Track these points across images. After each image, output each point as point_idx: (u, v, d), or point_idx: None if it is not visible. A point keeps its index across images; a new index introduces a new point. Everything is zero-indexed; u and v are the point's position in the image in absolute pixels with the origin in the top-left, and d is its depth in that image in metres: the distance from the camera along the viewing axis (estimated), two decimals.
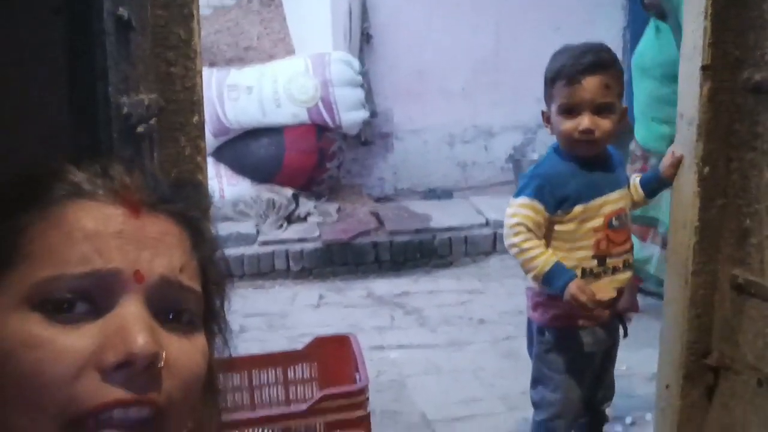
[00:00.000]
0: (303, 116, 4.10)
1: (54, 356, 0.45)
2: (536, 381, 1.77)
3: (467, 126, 5.21)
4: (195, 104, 1.24)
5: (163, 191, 0.55)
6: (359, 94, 4.27)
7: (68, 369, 0.45)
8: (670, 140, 1.70)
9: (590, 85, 1.56)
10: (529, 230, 1.59)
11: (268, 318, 3.21)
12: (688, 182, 1.57)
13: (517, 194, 1.65)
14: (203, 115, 1.27)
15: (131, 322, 0.47)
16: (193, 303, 0.53)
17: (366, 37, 4.76)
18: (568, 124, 1.59)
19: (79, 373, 0.45)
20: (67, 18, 0.74)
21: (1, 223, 0.50)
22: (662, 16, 2.62)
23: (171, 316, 0.51)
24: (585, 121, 1.57)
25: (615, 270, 1.66)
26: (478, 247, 4.04)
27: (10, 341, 0.46)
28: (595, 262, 1.64)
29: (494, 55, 5.15)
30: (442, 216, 4.26)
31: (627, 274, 1.70)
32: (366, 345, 2.46)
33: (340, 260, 3.88)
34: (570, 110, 1.59)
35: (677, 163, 1.60)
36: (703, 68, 1.50)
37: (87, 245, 0.48)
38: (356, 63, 4.31)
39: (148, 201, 0.52)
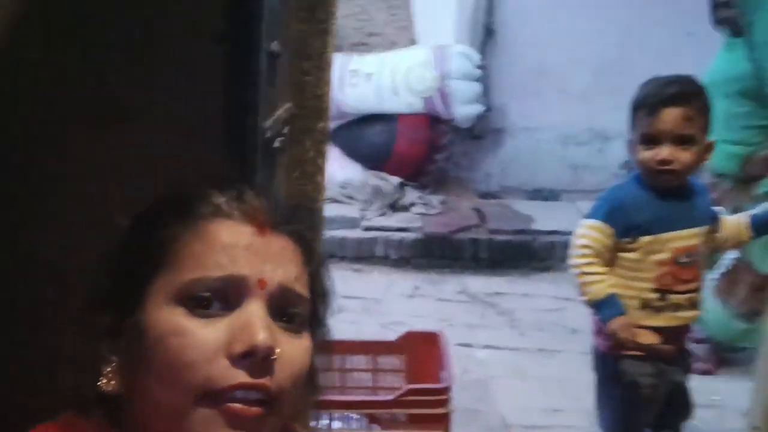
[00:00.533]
0: (418, 106, 4.18)
1: (195, 343, 0.57)
2: (598, 405, 1.80)
3: (583, 128, 5.10)
4: (323, 111, 1.34)
5: (283, 214, 0.67)
6: (476, 88, 4.29)
7: (205, 354, 0.56)
8: (743, 161, 1.68)
9: (670, 116, 1.57)
10: (595, 254, 1.62)
11: (364, 302, 3.34)
12: None
13: (589, 215, 1.68)
14: (329, 122, 1.38)
15: (254, 321, 0.57)
16: (303, 308, 0.63)
17: (489, 32, 4.75)
18: (646, 154, 1.61)
19: (213, 358, 0.56)
20: (228, 49, 0.85)
21: (159, 232, 0.62)
22: (736, 32, 2.49)
23: (285, 318, 0.61)
24: (663, 151, 1.58)
25: (678, 307, 1.65)
26: None
27: (162, 329, 0.58)
28: (655, 295, 1.64)
29: (619, 57, 4.98)
30: (546, 218, 4.22)
31: (691, 313, 1.68)
32: (454, 341, 2.53)
33: (438, 253, 3.95)
34: (649, 140, 1.60)
35: None
36: None
37: (223, 255, 0.59)
38: (476, 56, 4.33)
39: (272, 222, 0.63)
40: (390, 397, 1.69)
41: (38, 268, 0.83)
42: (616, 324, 1.58)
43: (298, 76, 1.30)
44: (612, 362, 1.71)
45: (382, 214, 4.07)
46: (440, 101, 4.17)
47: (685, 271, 1.63)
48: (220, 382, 0.56)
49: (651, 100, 1.59)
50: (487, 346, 2.97)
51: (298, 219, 0.69)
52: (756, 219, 1.71)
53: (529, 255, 3.98)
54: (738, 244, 1.76)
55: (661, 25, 4.85)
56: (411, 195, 4.23)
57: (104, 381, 0.59)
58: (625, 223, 1.62)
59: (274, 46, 0.86)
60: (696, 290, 1.67)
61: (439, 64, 4.17)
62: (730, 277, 2.46)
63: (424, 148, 4.22)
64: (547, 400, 2.48)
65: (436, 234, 3.95)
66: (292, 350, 0.60)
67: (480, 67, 4.36)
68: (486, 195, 4.80)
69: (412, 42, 4.65)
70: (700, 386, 1.96)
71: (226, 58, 0.81)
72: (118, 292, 0.61)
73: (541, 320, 3.24)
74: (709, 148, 1.64)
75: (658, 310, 1.63)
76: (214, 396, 0.56)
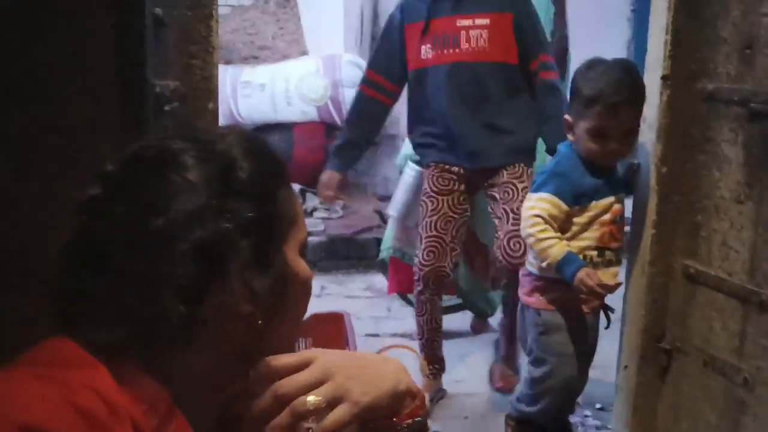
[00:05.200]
0: (312, 114, 4.29)
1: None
2: (532, 363, 1.90)
3: None
4: (211, 92, 1.42)
5: None
6: None
7: None
8: None
9: (627, 116, 1.66)
10: (546, 222, 1.71)
11: None
12: (647, 180, 1.75)
13: (537, 189, 1.77)
14: (217, 103, 1.46)
15: None
16: None
17: (375, 40, 4.94)
18: (595, 147, 1.70)
19: None
20: (117, 14, 0.93)
21: (281, 193, 0.69)
22: None
23: None
24: (614, 146, 1.69)
25: (610, 263, 1.78)
26: None
27: (306, 275, 0.72)
28: (595, 252, 1.76)
29: None
30: None
31: (617, 268, 1.81)
32: (363, 332, 2.63)
33: (342, 254, 4.06)
34: (600, 135, 1.69)
35: (635, 171, 1.79)
36: (663, 78, 1.67)
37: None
38: (365, 65, 4.49)
39: None
40: None
41: None
42: (582, 274, 1.66)
43: (186, 58, 1.38)
44: (552, 316, 1.82)
45: None
46: (333, 109, 4.30)
47: (618, 229, 1.78)
48: None
49: (610, 100, 1.64)
50: (394, 335, 3.09)
51: None
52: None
53: None
54: None
55: None
56: (312, 201, 4.32)
57: (248, 308, 0.64)
58: (573, 193, 1.73)
59: (158, 11, 0.95)
60: (621, 248, 1.81)
61: (330, 73, 4.30)
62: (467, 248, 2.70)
63: (321, 155, 4.32)
64: (450, 374, 2.62)
65: (340, 236, 4.06)
66: None
67: None
68: (385, 197, 4.95)
69: (304, 54, 4.77)
70: None
71: (118, 21, 0.89)
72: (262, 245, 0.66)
73: None
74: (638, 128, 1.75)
75: (596, 265, 1.75)
76: None
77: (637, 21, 5.70)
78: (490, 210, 2.40)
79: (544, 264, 1.73)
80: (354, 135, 2.52)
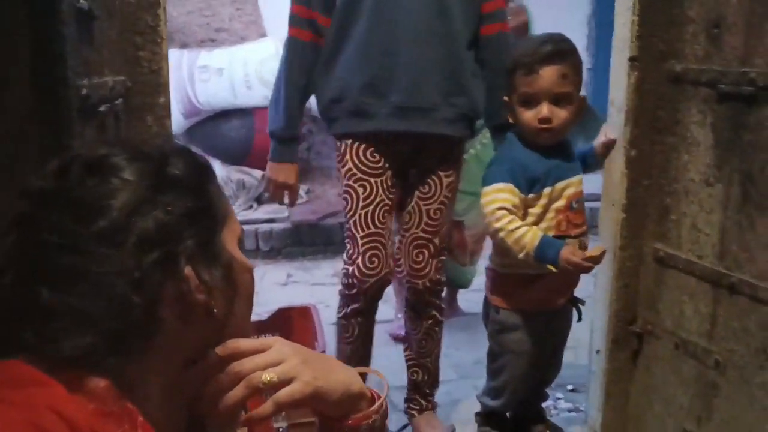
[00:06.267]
0: None
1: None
2: (489, 357, 1.88)
3: None
4: (161, 86, 1.34)
5: None
6: None
7: None
8: None
9: (548, 74, 1.59)
10: (511, 212, 1.62)
11: None
12: (617, 163, 1.72)
13: (490, 181, 1.67)
14: (169, 97, 1.38)
15: None
16: None
17: None
18: (527, 114, 1.63)
19: None
20: (31, 7, 0.84)
21: (212, 188, 0.72)
22: None
23: None
24: (543, 109, 1.60)
25: None
26: None
27: (248, 266, 0.74)
28: None
29: None
30: None
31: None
32: (331, 320, 2.57)
33: (308, 240, 3.99)
34: (529, 100, 1.62)
35: (610, 144, 1.72)
36: (631, 59, 1.64)
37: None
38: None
39: None
40: None
41: None
42: (566, 254, 1.57)
43: (132, 50, 1.30)
44: (508, 316, 1.77)
45: (249, 208, 4.04)
46: None
47: (576, 215, 1.70)
48: None
49: (527, 60, 1.60)
50: None
51: None
52: (579, 153, 1.78)
53: None
54: None
55: None
56: None
57: (202, 297, 0.66)
58: (526, 179, 1.65)
59: (82, 3, 0.86)
60: (584, 233, 1.73)
61: None
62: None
63: None
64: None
65: (305, 222, 3.99)
66: None
67: None
68: None
69: (263, 35, 4.64)
70: None
71: (31, 15, 0.80)
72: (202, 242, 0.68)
73: None
74: (582, 103, 1.67)
75: None
76: None
77: None
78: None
79: (521, 255, 1.63)
80: (297, 102, 1.87)
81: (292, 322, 2.12)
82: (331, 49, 1.81)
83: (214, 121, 4.21)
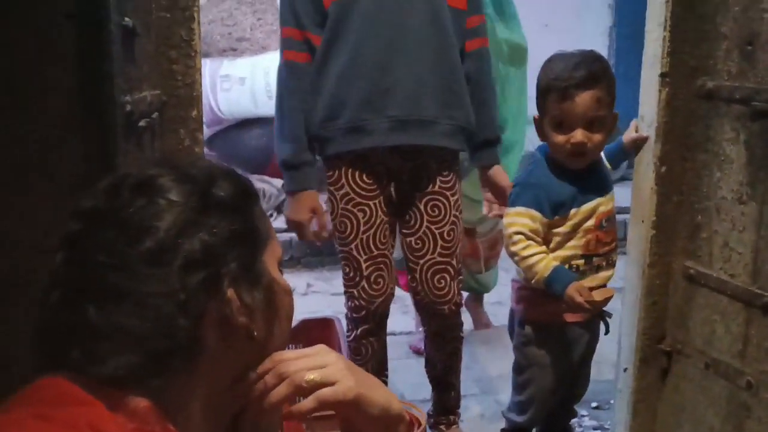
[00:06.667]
0: None
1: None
2: (515, 370, 1.86)
3: None
4: (194, 99, 1.35)
5: None
6: None
7: None
8: None
9: (583, 100, 1.57)
10: (528, 238, 1.63)
11: None
12: (646, 179, 1.70)
13: (513, 204, 1.68)
14: (201, 110, 1.39)
15: None
16: None
17: None
18: (559, 138, 1.62)
19: None
20: (78, 24, 0.85)
21: (256, 210, 0.72)
22: None
23: None
24: (578, 135, 1.59)
25: (599, 268, 1.72)
26: None
27: (287, 288, 0.75)
28: (582, 261, 1.69)
29: None
30: None
31: (609, 272, 1.75)
32: None
33: (328, 250, 3.99)
34: (561, 124, 1.61)
35: (641, 141, 1.69)
36: (662, 75, 1.62)
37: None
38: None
39: None
40: None
41: None
42: (572, 290, 1.58)
43: (166, 64, 1.31)
44: (535, 329, 1.77)
45: (269, 217, 4.05)
46: None
47: (606, 234, 1.70)
48: None
49: (561, 84, 1.57)
50: None
51: None
52: (608, 151, 1.79)
53: None
54: None
55: None
56: None
57: (243, 320, 0.67)
58: (551, 203, 1.64)
59: (126, 21, 0.87)
60: (613, 250, 1.74)
61: None
62: None
63: None
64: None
65: None
66: None
67: None
68: None
69: None
70: None
71: (78, 32, 0.81)
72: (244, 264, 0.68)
73: None
74: (614, 121, 1.64)
75: (583, 273, 1.69)
76: None
77: (619, 7, 5.67)
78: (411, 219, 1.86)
79: (533, 282, 1.65)
80: (303, 127, 1.78)
81: (314, 334, 2.12)
82: (320, 67, 1.75)
83: (235, 130, 4.23)
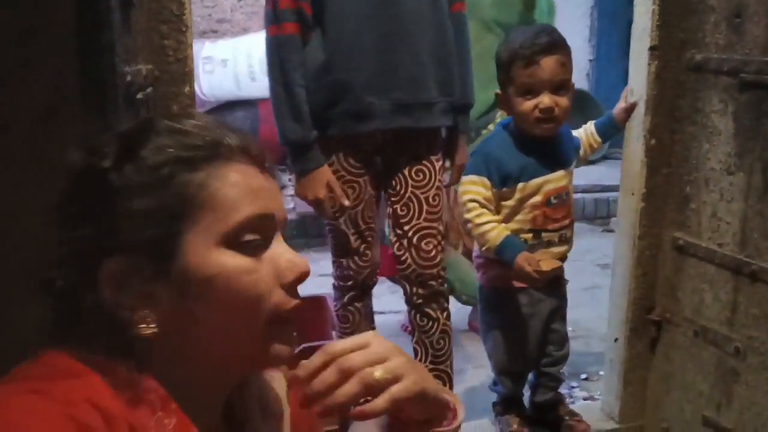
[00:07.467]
0: None
1: (261, 278, 0.62)
2: (482, 338, 1.90)
3: None
4: (186, 75, 1.33)
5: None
6: None
7: (269, 287, 0.63)
8: None
9: (548, 65, 1.60)
10: (482, 206, 1.66)
11: None
12: (636, 152, 1.72)
13: (467, 171, 1.72)
14: (194, 85, 1.37)
15: (291, 252, 0.65)
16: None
17: None
18: (527, 104, 1.63)
19: (273, 288, 0.63)
20: None
21: (188, 176, 0.61)
22: None
23: None
24: (545, 99, 1.61)
25: (550, 243, 1.73)
26: None
27: (226, 270, 0.61)
28: (530, 234, 1.71)
29: None
30: None
31: (562, 248, 1.75)
32: None
33: (314, 231, 3.99)
34: (529, 91, 1.63)
35: (630, 108, 1.71)
36: (651, 48, 1.64)
37: (253, 196, 0.63)
38: None
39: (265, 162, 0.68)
40: None
41: None
42: (521, 259, 1.61)
43: (158, 39, 1.29)
44: (492, 294, 1.82)
45: None
46: None
47: (555, 210, 1.71)
48: (285, 307, 0.64)
49: (526, 52, 1.60)
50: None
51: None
52: (599, 125, 1.82)
53: None
54: (592, 152, 1.87)
55: None
56: (281, 178, 4.23)
57: (143, 326, 0.60)
58: (500, 174, 1.67)
59: None
60: (566, 227, 1.75)
61: None
62: None
63: None
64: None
65: (310, 213, 3.97)
66: None
67: None
68: None
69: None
70: None
71: (79, 5, 0.80)
72: (149, 243, 0.60)
73: None
74: (573, 92, 1.67)
75: (533, 247, 1.70)
76: (281, 318, 0.64)
77: None
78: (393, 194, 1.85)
79: (483, 249, 1.70)
80: (306, 101, 1.71)
81: (307, 312, 2.12)
82: (316, 44, 1.70)
83: (218, 113, 4.19)
